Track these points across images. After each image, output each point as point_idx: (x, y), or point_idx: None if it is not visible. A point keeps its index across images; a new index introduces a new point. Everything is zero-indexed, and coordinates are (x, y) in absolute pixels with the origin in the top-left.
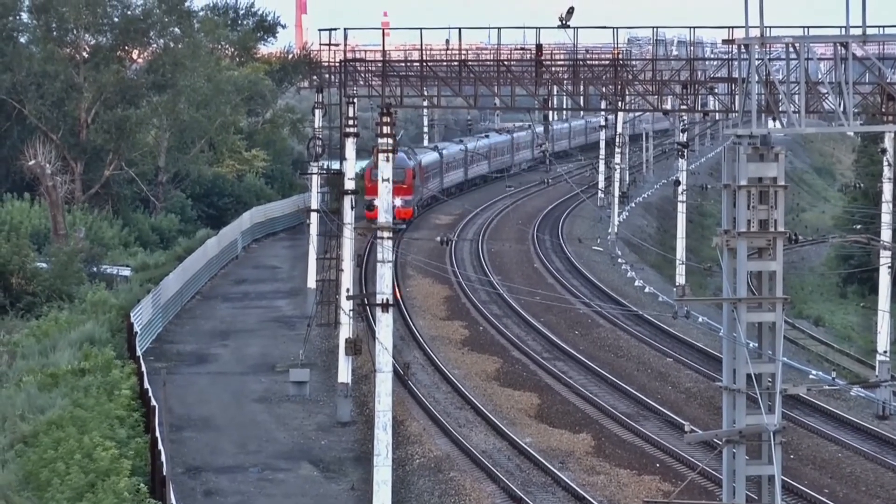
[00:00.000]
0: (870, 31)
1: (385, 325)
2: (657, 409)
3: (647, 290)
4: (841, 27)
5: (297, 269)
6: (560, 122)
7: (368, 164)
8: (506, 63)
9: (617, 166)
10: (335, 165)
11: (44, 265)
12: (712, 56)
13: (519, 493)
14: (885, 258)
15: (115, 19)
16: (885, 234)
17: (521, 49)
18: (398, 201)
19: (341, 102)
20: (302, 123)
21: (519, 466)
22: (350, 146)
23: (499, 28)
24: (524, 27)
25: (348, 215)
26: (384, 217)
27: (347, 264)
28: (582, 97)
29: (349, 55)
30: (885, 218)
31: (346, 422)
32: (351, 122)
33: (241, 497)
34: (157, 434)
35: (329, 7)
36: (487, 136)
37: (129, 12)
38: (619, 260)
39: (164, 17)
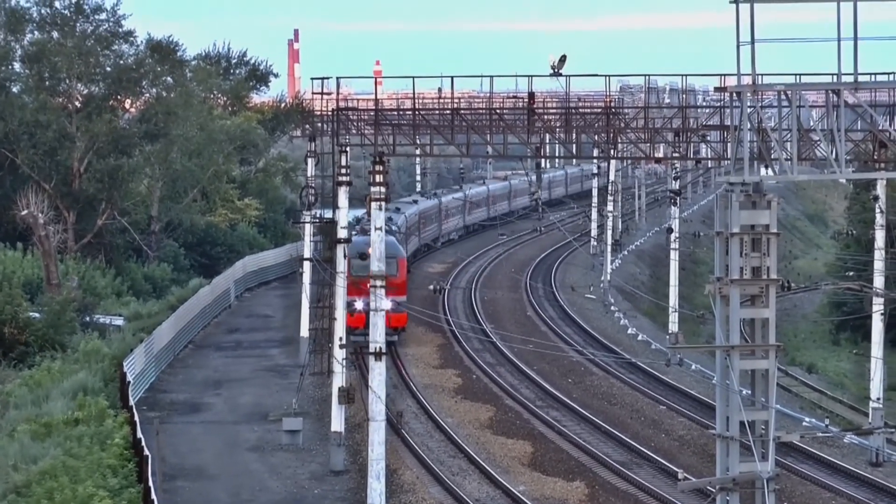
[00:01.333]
0: (861, 79)
1: (378, 373)
2: (651, 456)
3: (640, 337)
4: (833, 74)
5: (289, 318)
6: (555, 170)
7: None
8: (498, 111)
9: (609, 214)
10: (328, 214)
11: (36, 315)
12: (704, 104)
13: None
14: (877, 305)
15: (108, 69)
16: (878, 281)
17: (514, 97)
18: (388, 303)
19: (334, 151)
20: (294, 172)
21: None
22: (343, 195)
23: (491, 76)
24: (516, 75)
25: (341, 264)
26: (377, 266)
27: (340, 313)
28: (574, 145)
29: (342, 104)
30: (878, 265)
31: (339, 471)
32: (343, 171)
33: None
34: (151, 483)
35: (321, 56)
36: (484, 184)
37: (121, 62)
38: (612, 307)
39: (156, 67)
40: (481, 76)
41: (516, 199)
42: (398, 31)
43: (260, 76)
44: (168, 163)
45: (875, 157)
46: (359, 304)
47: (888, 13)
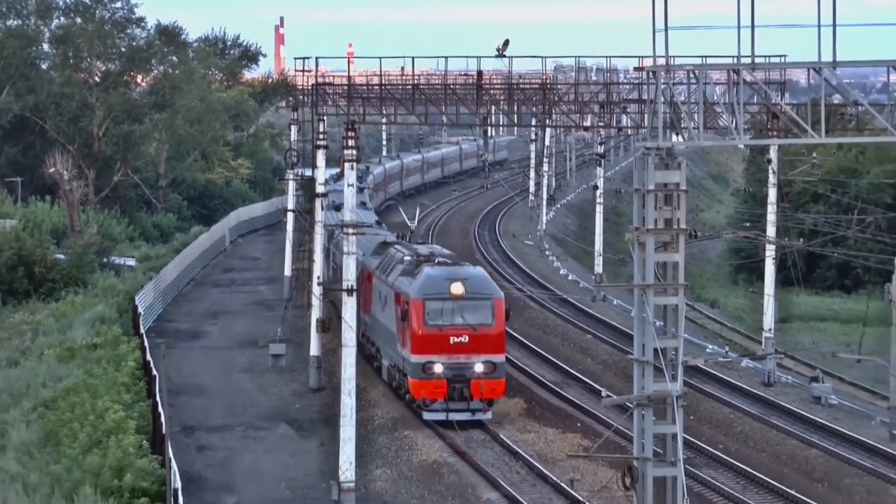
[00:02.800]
0: (758, 60)
1: (350, 306)
2: (579, 377)
3: (570, 277)
4: (733, 57)
5: (275, 260)
6: (501, 137)
7: (364, 259)
8: (451, 86)
9: (545, 174)
10: (308, 173)
11: (62, 256)
12: (626, 81)
13: (462, 448)
14: (769, 251)
15: (123, 49)
16: (770, 231)
17: (465, 75)
18: (480, 364)
19: (313, 120)
20: (280, 137)
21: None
22: (320, 157)
23: (445, 57)
24: (467, 56)
25: (319, 215)
26: (349, 215)
27: (318, 255)
28: (516, 115)
29: (320, 80)
30: (770, 217)
31: (317, 388)
32: (321, 137)
33: (228, 452)
34: (158, 399)
35: (303, 39)
36: (439, 148)
37: (134, 43)
38: (547, 252)
39: (163, 48)
40: (437, 57)
41: (466, 161)
42: (368, 19)
43: (251, 56)
44: (173, 129)
45: (768, 127)
46: (437, 367)
47: (782, 3)
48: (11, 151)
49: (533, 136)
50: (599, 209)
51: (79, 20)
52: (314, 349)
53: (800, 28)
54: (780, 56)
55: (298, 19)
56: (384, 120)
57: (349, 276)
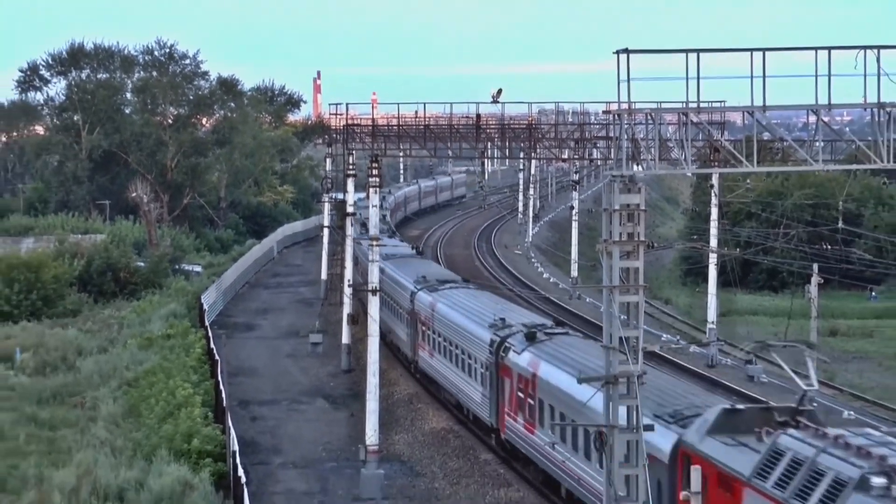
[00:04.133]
0: (702, 105)
1: (373, 304)
2: None
3: (551, 280)
4: (683, 102)
5: (313, 266)
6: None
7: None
8: (455, 126)
9: (531, 196)
10: (340, 196)
11: (142, 264)
12: (596, 122)
13: (462, 418)
14: (712, 258)
15: (190, 97)
16: (713, 242)
17: (466, 117)
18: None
19: (344, 153)
20: (317, 168)
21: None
22: (350, 183)
23: (451, 103)
24: (468, 102)
25: (349, 230)
26: (374, 230)
27: (348, 262)
28: (507, 150)
29: (349, 122)
30: (713, 231)
31: (347, 370)
32: (350, 167)
33: (276, 421)
34: (219, 379)
35: (336, 88)
36: (443, 177)
37: (199, 92)
38: (533, 260)
39: (223, 96)
40: (444, 103)
41: (457, 189)
42: (389, 73)
43: (294, 102)
44: (231, 161)
45: (711, 158)
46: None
47: (722, 58)
48: (101, 180)
49: (521, 167)
50: (575, 225)
51: (155, 73)
52: (345, 338)
53: (736, 78)
54: (721, 101)
55: (332, 73)
56: (401, 153)
57: (373, 280)
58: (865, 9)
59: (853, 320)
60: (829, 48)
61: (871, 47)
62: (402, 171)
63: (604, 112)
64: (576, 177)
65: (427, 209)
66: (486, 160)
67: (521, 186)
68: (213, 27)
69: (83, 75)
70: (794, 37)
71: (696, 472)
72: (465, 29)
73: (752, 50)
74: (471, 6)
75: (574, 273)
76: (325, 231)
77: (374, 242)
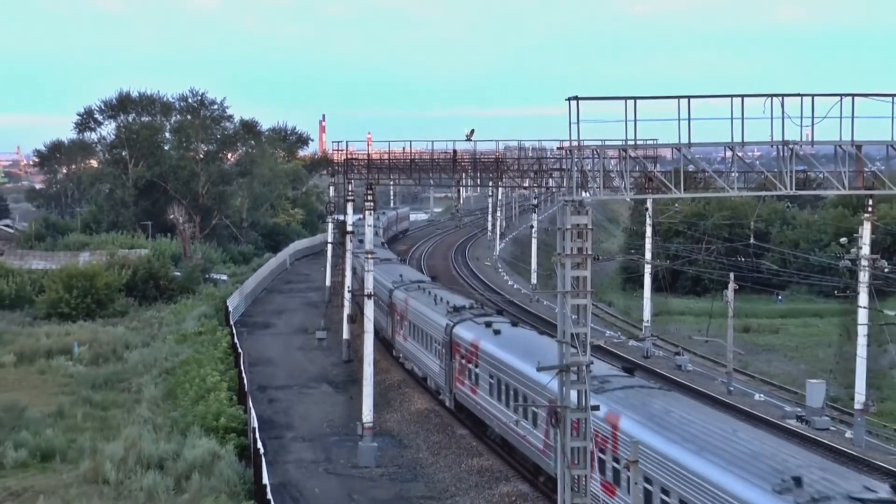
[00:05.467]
0: (639, 142)
1: (369, 305)
2: None
3: (515, 286)
4: (623, 140)
5: (319, 275)
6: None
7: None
8: (436, 160)
9: (498, 217)
10: (341, 217)
11: (178, 274)
12: (552, 157)
13: (439, 398)
14: (647, 268)
15: (218, 136)
16: (647, 255)
17: (445, 153)
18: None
19: (345, 182)
20: (322, 194)
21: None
22: (349, 207)
23: (432, 141)
24: (446, 140)
25: (348, 245)
26: (369, 245)
27: (348, 272)
28: (479, 179)
29: (349, 156)
30: (647, 246)
31: (347, 360)
32: (349, 194)
33: (289, 402)
34: (241, 368)
35: (338, 127)
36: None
37: (225, 132)
38: (500, 270)
39: (245, 135)
40: (426, 140)
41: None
42: (382, 115)
43: (303, 140)
44: (252, 189)
45: (646, 186)
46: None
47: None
48: (144, 204)
49: (490, 193)
50: (534, 241)
51: (189, 117)
52: (345, 334)
53: (666, 121)
54: (653, 139)
55: (335, 114)
56: (391, 182)
57: (369, 286)
58: (771, 62)
59: (762, 319)
60: (742, 96)
61: (775, 95)
62: (392, 197)
63: (558, 148)
64: (535, 201)
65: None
66: (460, 188)
67: (489, 209)
68: (237, 77)
69: (130, 118)
70: (713, 85)
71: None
72: (444, 79)
73: (678, 97)
74: (448, 60)
75: (534, 280)
76: (329, 246)
77: (370, 255)
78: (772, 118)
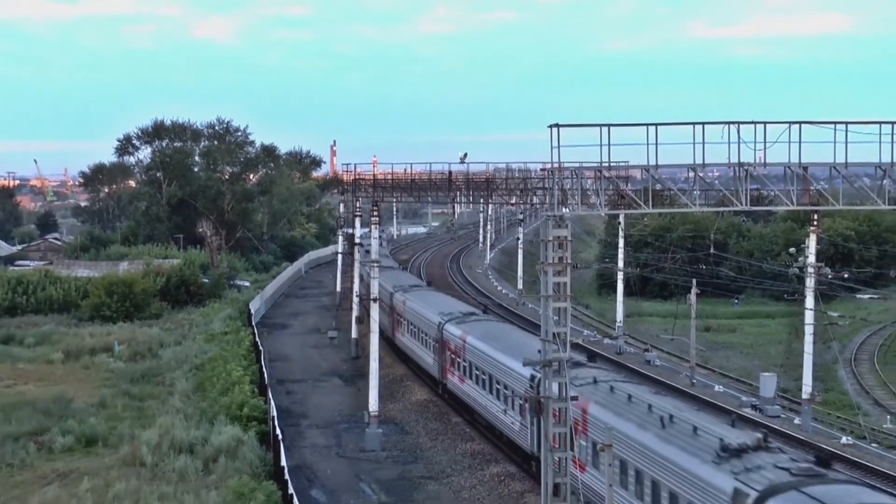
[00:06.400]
0: (613, 164)
1: (374, 308)
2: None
3: (503, 291)
4: (598, 162)
5: (331, 281)
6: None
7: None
8: (433, 180)
9: (489, 231)
10: (349, 231)
11: (206, 280)
12: (536, 177)
13: (438, 391)
14: (620, 275)
15: (241, 159)
16: (620, 263)
17: (441, 174)
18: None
19: (353, 200)
20: (333, 210)
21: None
22: (357, 222)
23: (430, 163)
24: (443, 162)
25: (356, 255)
26: (374, 255)
27: (356, 279)
28: (471, 197)
29: (357, 177)
30: (620, 255)
31: (355, 357)
32: (357, 210)
33: (304, 394)
34: (262, 364)
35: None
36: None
37: (248, 156)
38: (490, 276)
39: (265, 158)
40: (425, 163)
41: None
42: (386, 140)
43: (316, 163)
44: (271, 206)
45: (618, 202)
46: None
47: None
48: (176, 219)
49: (481, 210)
50: (520, 251)
51: (216, 142)
52: (354, 333)
53: (636, 145)
54: (625, 161)
55: (345, 139)
56: (394, 200)
57: (374, 291)
58: (729, 93)
59: (721, 320)
60: (703, 123)
61: (732, 122)
62: (394, 213)
63: (541, 169)
64: (521, 216)
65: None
66: (455, 204)
67: (481, 223)
68: (258, 105)
69: (164, 144)
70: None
71: None
72: (442, 107)
73: (647, 124)
74: (446, 92)
75: (520, 286)
76: (339, 256)
77: (375, 264)
78: (729, 143)
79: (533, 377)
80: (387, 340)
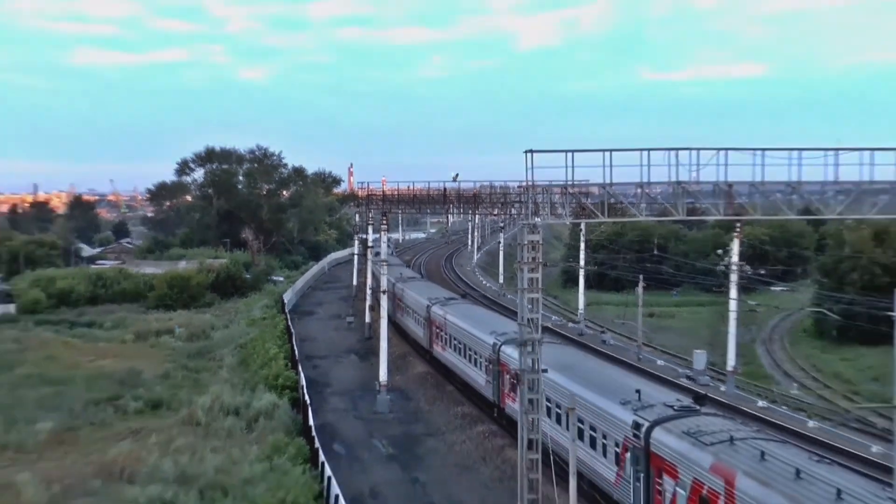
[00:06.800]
0: (576, 182)
1: (385, 298)
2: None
3: (488, 285)
4: (564, 181)
5: (349, 277)
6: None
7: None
8: (431, 195)
9: (476, 236)
10: (363, 236)
11: (248, 276)
12: (514, 192)
13: (434, 368)
14: (581, 272)
15: (276, 178)
16: (581, 262)
17: (437, 190)
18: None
19: (366, 211)
20: (350, 220)
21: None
22: (370, 229)
23: (429, 181)
24: (440, 181)
25: (369, 256)
26: (383, 255)
27: (369, 275)
28: (462, 209)
29: (369, 193)
30: (581, 256)
31: (368, 338)
32: (370, 219)
33: (327, 368)
34: (293, 343)
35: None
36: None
37: (281, 175)
38: (477, 273)
39: (295, 178)
40: (425, 181)
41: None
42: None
43: (336, 181)
44: (301, 217)
45: (580, 213)
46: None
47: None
48: (224, 227)
49: (470, 219)
50: (501, 253)
51: (256, 165)
52: (367, 318)
53: (595, 167)
54: (586, 180)
55: (360, 162)
56: (399, 211)
57: (384, 285)
58: (670, 124)
59: (663, 308)
60: (649, 150)
61: (672, 149)
62: (400, 222)
63: (518, 186)
64: (501, 225)
65: (418, 243)
66: (449, 215)
67: (469, 230)
68: (289, 132)
69: (214, 166)
70: (629, 140)
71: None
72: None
73: (604, 150)
74: (442, 121)
75: (501, 281)
76: (355, 257)
77: (385, 263)
78: (669, 165)
79: (497, 349)
80: (392, 323)
